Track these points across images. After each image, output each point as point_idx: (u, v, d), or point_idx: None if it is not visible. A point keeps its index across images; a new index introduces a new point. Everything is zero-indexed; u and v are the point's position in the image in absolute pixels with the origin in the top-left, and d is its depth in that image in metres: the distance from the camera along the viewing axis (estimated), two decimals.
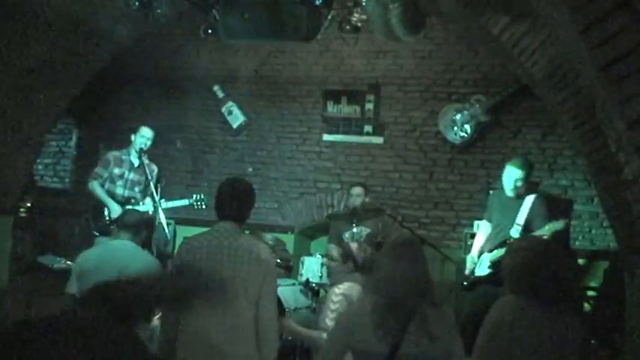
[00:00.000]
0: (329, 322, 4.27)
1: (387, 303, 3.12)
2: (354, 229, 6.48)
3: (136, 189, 6.92)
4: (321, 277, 6.41)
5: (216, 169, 8.91)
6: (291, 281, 6.85)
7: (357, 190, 6.98)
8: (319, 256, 6.56)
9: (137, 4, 6.41)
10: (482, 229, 6.29)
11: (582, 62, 3.20)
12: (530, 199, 5.86)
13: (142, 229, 5.08)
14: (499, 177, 6.30)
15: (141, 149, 6.85)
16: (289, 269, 7.52)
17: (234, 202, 3.73)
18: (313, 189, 8.65)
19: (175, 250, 4.06)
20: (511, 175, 5.88)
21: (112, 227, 6.66)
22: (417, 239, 5.72)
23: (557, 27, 3.37)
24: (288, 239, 8.02)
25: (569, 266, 3.18)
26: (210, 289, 3.49)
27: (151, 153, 7.09)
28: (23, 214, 8.23)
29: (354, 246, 4.41)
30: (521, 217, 5.81)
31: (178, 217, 7.40)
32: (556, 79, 5.42)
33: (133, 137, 6.97)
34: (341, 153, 8.58)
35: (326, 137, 8.65)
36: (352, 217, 6.78)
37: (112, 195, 6.81)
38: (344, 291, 4.12)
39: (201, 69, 9.00)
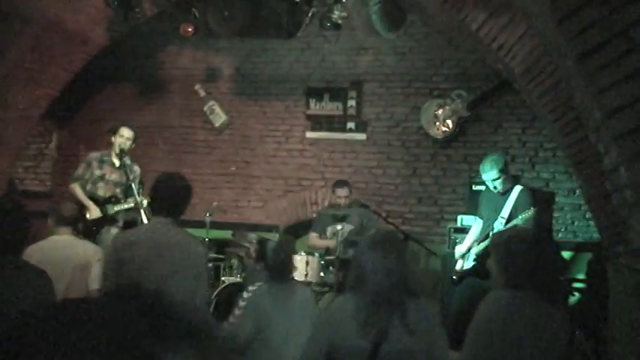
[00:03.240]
0: (232, 319, 4.29)
1: (371, 298, 3.11)
2: (337, 226, 6.50)
3: (117, 190, 6.88)
4: (306, 275, 6.41)
5: (199, 169, 8.88)
6: None
7: (343, 191, 7.01)
8: (304, 254, 6.57)
9: (116, 3, 6.38)
10: (475, 226, 6.36)
11: (560, 54, 3.22)
12: (515, 193, 5.94)
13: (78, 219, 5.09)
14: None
15: (121, 150, 6.81)
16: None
17: (169, 197, 3.74)
18: (297, 187, 8.65)
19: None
20: (486, 178, 5.99)
21: (93, 228, 6.66)
22: (396, 233, 5.74)
23: (534, 19, 3.40)
24: (273, 238, 8.02)
25: (554, 256, 3.17)
26: (146, 284, 3.46)
27: (133, 153, 7.06)
28: None
29: (270, 246, 4.42)
30: (506, 211, 5.88)
31: None
32: (535, 73, 5.46)
33: (113, 138, 6.94)
34: (324, 150, 8.58)
35: (309, 135, 8.65)
36: (336, 214, 6.81)
37: (93, 196, 6.78)
38: (253, 293, 4.15)
39: (182, 68, 8.98)
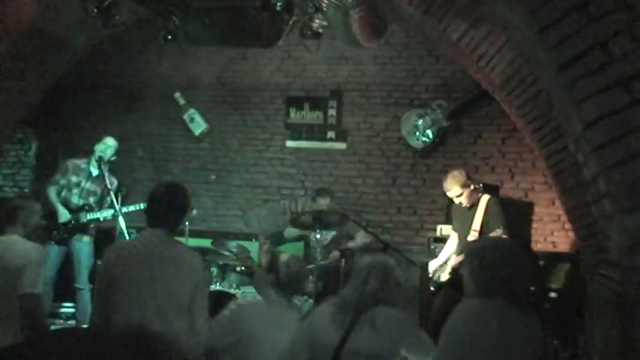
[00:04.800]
0: (220, 320, 4.03)
1: (344, 300, 3.40)
2: (318, 235, 6.48)
3: (91, 199, 6.86)
4: None
5: (179, 177, 8.81)
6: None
7: (324, 201, 7.01)
8: None
9: (95, 10, 6.33)
10: (452, 238, 6.38)
11: (540, 64, 3.24)
12: (483, 204, 5.96)
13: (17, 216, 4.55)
14: None
15: (100, 157, 6.77)
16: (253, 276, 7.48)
17: (165, 208, 3.59)
18: (277, 195, 8.63)
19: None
20: (450, 195, 6.05)
21: (65, 235, 6.63)
22: (391, 261, 5.80)
23: (514, 30, 3.41)
24: (252, 246, 7.98)
25: (527, 265, 3.17)
26: (138, 298, 3.39)
27: (112, 161, 7.00)
28: None
29: (283, 258, 4.21)
30: (477, 223, 5.90)
31: (139, 225, 7.30)
32: (515, 84, 5.49)
33: (95, 146, 6.92)
34: (304, 159, 8.57)
35: (289, 144, 8.63)
36: (316, 222, 6.79)
37: (67, 202, 6.76)
38: (244, 305, 3.95)
39: (161, 76, 8.92)
